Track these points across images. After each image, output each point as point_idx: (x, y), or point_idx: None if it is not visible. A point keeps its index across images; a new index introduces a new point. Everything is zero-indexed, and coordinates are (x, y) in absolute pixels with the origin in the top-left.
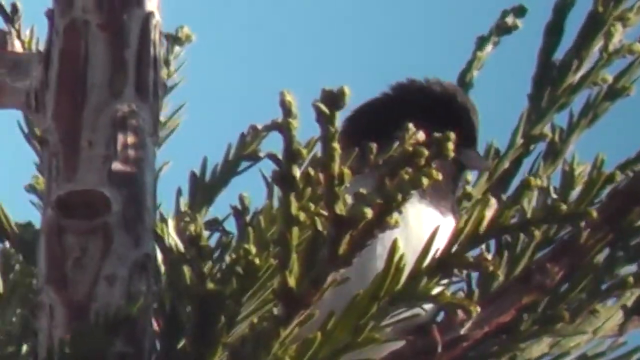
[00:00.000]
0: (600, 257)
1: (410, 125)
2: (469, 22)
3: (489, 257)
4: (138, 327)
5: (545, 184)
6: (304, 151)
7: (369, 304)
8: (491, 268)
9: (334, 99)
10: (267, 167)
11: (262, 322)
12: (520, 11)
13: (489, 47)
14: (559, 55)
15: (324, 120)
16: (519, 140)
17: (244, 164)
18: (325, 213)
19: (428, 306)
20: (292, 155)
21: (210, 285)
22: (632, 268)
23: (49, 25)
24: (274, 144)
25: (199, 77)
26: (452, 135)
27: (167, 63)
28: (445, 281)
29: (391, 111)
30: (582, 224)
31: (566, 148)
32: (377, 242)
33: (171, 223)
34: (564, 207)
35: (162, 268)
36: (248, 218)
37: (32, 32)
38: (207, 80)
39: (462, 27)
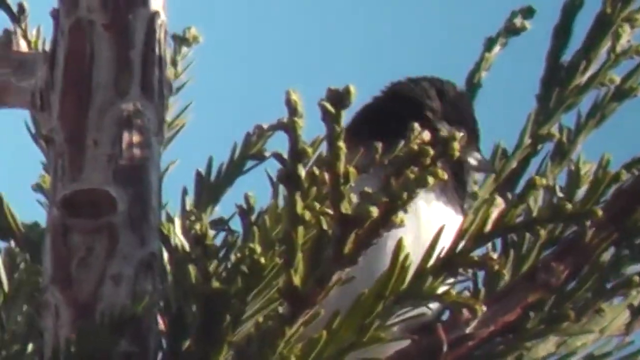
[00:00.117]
0: (606, 256)
1: (416, 125)
2: (477, 23)
3: (495, 256)
4: (143, 327)
5: (551, 183)
6: (310, 150)
7: (374, 303)
8: (496, 267)
9: (339, 98)
10: (273, 167)
11: (268, 321)
12: (528, 12)
13: (497, 48)
14: (567, 56)
15: (330, 119)
16: (527, 140)
17: (250, 164)
18: (330, 212)
19: (434, 305)
20: (297, 154)
21: (216, 284)
22: (637, 267)
23: (54, 25)
24: (279, 143)
25: (205, 77)
26: (458, 134)
27: (174, 64)
28: (451, 280)
29: (395, 111)
30: (588, 223)
31: (574, 148)
32: (387, 239)
33: (177, 222)
34: (569, 206)
35: (168, 267)
36: (253, 217)
37: (38, 31)
38: (213, 79)
39: (471, 28)
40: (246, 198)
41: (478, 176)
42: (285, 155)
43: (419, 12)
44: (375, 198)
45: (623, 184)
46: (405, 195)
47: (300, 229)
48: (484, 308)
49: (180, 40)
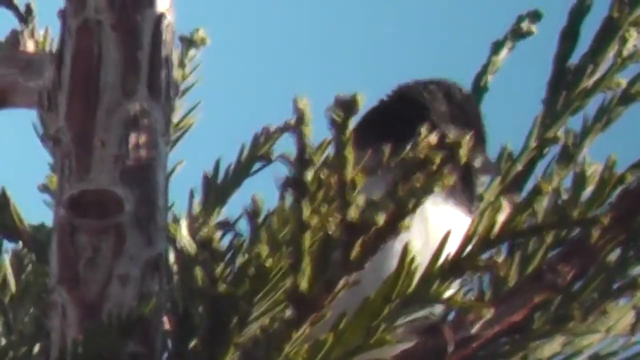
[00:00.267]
0: (612, 257)
1: (423, 129)
2: (484, 27)
3: (500, 260)
4: (150, 327)
5: (557, 186)
6: (317, 157)
7: (381, 305)
8: (503, 272)
9: (347, 106)
10: (280, 169)
11: (274, 323)
12: (535, 16)
13: (504, 52)
14: (573, 60)
15: (337, 127)
16: (533, 143)
17: (257, 165)
18: (337, 217)
19: (440, 308)
20: (304, 162)
21: (222, 287)
22: None
23: (61, 25)
24: (287, 145)
25: (212, 79)
26: (465, 139)
27: (182, 65)
28: (457, 282)
29: (402, 113)
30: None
31: (580, 151)
32: (395, 242)
33: (184, 224)
34: (576, 212)
35: (175, 268)
36: (260, 219)
37: (45, 32)
38: (221, 81)
39: (478, 32)
40: (253, 200)
41: (484, 178)
42: (292, 158)
43: (426, 15)
44: (382, 205)
45: (629, 185)
46: (412, 202)
47: (307, 234)
48: (492, 312)
49: (188, 42)
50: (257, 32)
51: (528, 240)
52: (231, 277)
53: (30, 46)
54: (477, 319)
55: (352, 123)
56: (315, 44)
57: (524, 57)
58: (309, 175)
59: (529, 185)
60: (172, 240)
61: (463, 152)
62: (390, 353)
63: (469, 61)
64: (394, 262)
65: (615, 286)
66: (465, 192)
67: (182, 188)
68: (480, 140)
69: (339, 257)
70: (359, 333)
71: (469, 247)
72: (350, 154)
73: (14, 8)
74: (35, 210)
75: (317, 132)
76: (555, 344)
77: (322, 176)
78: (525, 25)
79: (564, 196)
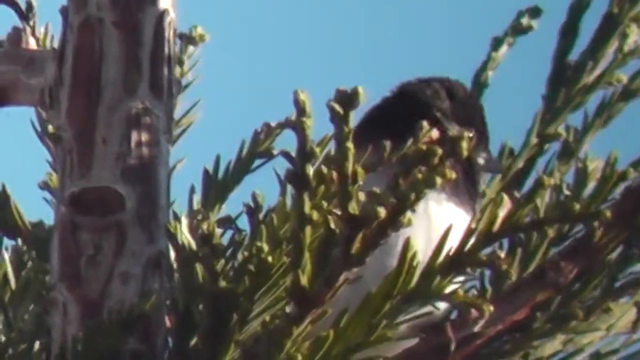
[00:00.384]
0: (614, 256)
1: (425, 124)
2: (484, 23)
3: (502, 255)
4: (152, 325)
5: (558, 182)
6: (318, 150)
7: (382, 302)
8: (504, 267)
9: (348, 99)
10: (281, 165)
11: (275, 320)
12: (535, 12)
13: (504, 48)
14: (574, 56)
15: (338, 120)
16: (534, 140)
17: (258, 162)
18: (338, 212)
19: (442, 305)
20: (305, 155)
21: (223, 283)
22: None
23: (63, 22)
24: (287, 141)
25: (212, 75)
26: (467, 134)
27: (180, 62)
28: (459, 279)
29: (404, 111)
30: (596, 223)
31: (580, 148)
32: (398, 239)
33: (184, 221)
34: (577, 206)
35: (176, 265)
36: (261, 216)
37: (46, 29)
38: (221, 77)
39: (478, 28)
40: (254, 196)
41: (486, 175)
42: (294, 154)
43: (426, 12)
44: (383, 198)
45: (631, 183)
46: (413, 196)
47: (308, 229)
48: (492, 308)
49: (187, 39)
50: (257, 29)
51: (530, 235)
52: (232, 273)
53: (31, 43)
54: (479, 317)
55: (353, 116)
56: (315, 40)
57: (524, 53)
58: (310, 168)
59: (530, 182)
60: (172, 237)
61: (464, 147)
62: (393, 351)
63: (469, 57)
64: (396, 260)
65: (617, 284)
66: (469, 190)
67: (182, 185)
68: (483, 139)
69: (340, 252)
70: (360, 330)
71: (470, 243)
72: (351, 146)
73: (15, 5)
74: (35, 207)
75: (318, 129)
76: (556, 342)
77: (323, 171)
78: (525, 21)
79: (566, 192)
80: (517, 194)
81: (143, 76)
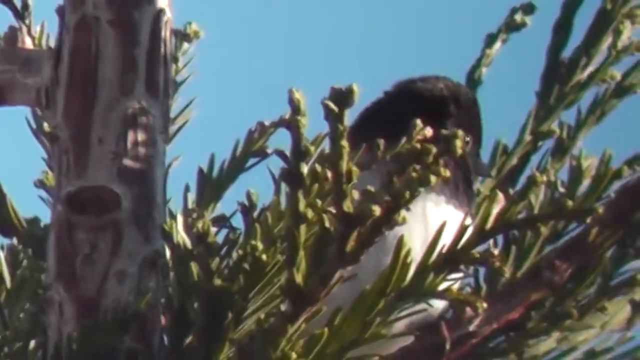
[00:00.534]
0: (609, 254)
1: (418, 122)
2: (478, 20)
3: (496, 252)
4: (147, 324)
5: (552, 179)
6: (312, 149)
7: (376, 299)
8: (497, 264)
9: (342, 97)
10: (275, 164)
11: (270, 318)
12: (529, 9)
13: (497, 45)
14: (567, 52)
15: (333, 118)
16: (527, 137)
17: (252, 160)
18: (332, 210)
19: (439, 303)
20: (300, 153)
21: (218, 282)
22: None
23: (59, 21)
24: (281, 140)
25: (206, 73)
26: (460, 132)
27: (175, 59)
28: (455, 277)
29: (400, 109)
30: (591, 221)
31: (574, 145)
32: (395, 238)
33: (180, 220)
34: (570, 203)
35: (171, 264)
36: (255, 214)
37: (42, 28)
38: (215, 75)
39: (471, 25)
40: (248, 195)
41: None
42: (288, 153)
43: (420, 8)
44: (378, 197)
45: (626, 181)
46: (407, 194)
47: (303, 227)
48: (485, 305)
49: (181, 36)
50: (252, 26)
51: (524, 233)
52: (227, 272)
53: (27, 43)
54: (474, 315)
55: (348, 114)
56: (310, 39)
57: (517, 49)
58: (305, 167)
59: (524, 179)
60: (167, 236)
61: (458, 145)
62: (387, 349)
63: (463, 54)
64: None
65: (612, 283)
66: (467, 192)
67: (178, 184)
68: (477, 143)
69: (335, 250)
70: (354, 327)
71: (464, 240)
72: (345, 145)
73: (10, 4)
74: (31, 205)
75: (313, 127)
76: (550, 340)
77: (317, 169)
78: (518, 17)
79: (561, 190)
80: (511, 192)
81: (139, 76)
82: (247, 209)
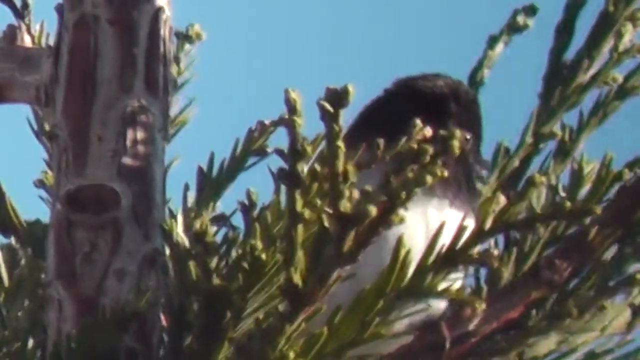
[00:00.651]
0: (609, 254)
1: (418, 122)
2: (480, 21)
3: (495, 252)
4: (147, 322)
5: (554, 182)
6: (309, 148)
7: (375, 299)
8: (496, 264)
9: (338, 98)
10: (275, 163)
11: (268, 317)
12: (531, 10)
13: (500, 46)
14: (569, 54)
15: (329, 118)
16: (529, 139)
17: (252, 160)
18: (330, 210)
19: (436, 302)
20: (297, 152)
21: (216, 281)
22: (638, 265)
23: (58, 20)
24: (281, 139)
25: (207, 73)
26: (458, 132)
27: (177, 61)
28: (455, 276)
29: (400, 107)
30: (591, 221)
31: (576, 147)
32: (394, 237)
33: (180, 219)
34: (569, 203)
35: (170, 263)
36: (255, 213)
37: (42, 27)
38: (216, 76)
39: (474, 26)
40: (248, 194)
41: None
42: (287, 152)
43: (421, 9)
44: (375, 196)
45: (626, 181)
46: (403, 194)
47: (300, 227)
48: (484, 305)
49: (183, 38)
50: (252, 26)
51: (524, 235)
52: (225, 271)
53: (27, 41)
54: (473, 315)
55: (344, 114)
56: (310, 39)
57: (519, 51)
58: (302, 166)
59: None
60: (167, 235)
61: (456, 145)
62: (387, 349)
63: (465, 55)
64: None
65: (611, 283)
66: (470, 193)
67: (178, 183)
68: (477, 141)
69: (332, 250)
70: (353, 327)
71: (463, 240)
72: (341, 145)
73: (10, 3)
74: (29, 205)
75: (315, 127)
76: (551, 342)
77: (316, 169)
78: (521, 19)
79: (562, 194)
80: (512, 193)
81: (138, 74)
82: (246, 208)
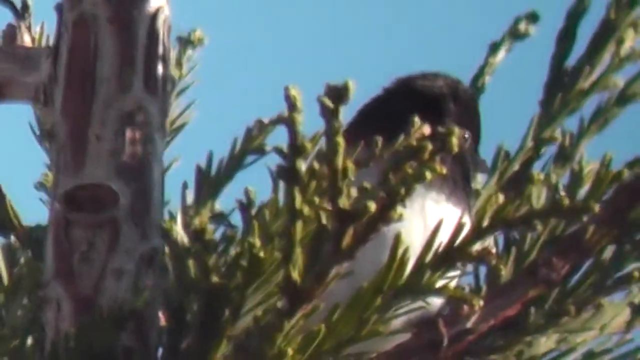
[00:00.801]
0: (607, 252)
1: (417, 119)
2: (481, 28)
3: (493, 250)
4: (145, 321)
5: (553, 182)
6: (309, 145)
7: (372, 296)
8: (494, 261)
9: (338, 94)
10: (273, 161)
11: (267, 315)
12: (533, 17)
13: (501, 53)
14: (571, 61)
15: (328, 114)
16: (529, 143)
17: (250, 158)
18: (329, 207)
19: (437, 300)
20: (297, 149)
21: (215, 279)
22: (636, 263)
23: (57, 19)
24: (280, 137)
25: (206, 72)
26: (457, 129)
27: (179, 64)
28: (453, 274)
29: (399, 106)
30: (588, 219)
31: (576, 152)
32: (392, 234)
33: (179, 219)
34: (567, 200)
35: (169, 261)
36: (253, 212)
37: (42, 27)
38: (214, 75)
39: (475, 33)
40: (246, 192)
41: (481, 177)
42: (286, 150)
43: (423, 16)
44: (374, 193)
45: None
46: (403, 190)
47: (299, 224)
48: (482, 303)
49: (186, 42)
50: (252, 25)
51: (524, 235)
52: (224, 269)
53: (27, 41)
54: (471, 312)
55: (343, 111)
56: (310, 40)
57: (521, 58)
58: (301, 163)
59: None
60: (166, 234)
61: (454, 143)
62: (385, 346)
63: (466, 62)
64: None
65: (609, 281)
66: (466, 190)
67: (177, 184)
68: (475, 141)
69: (330, 247)
70: (351, 324)
71: (461, 237)
72: (341, 141)
73: (10, 3)
74: (30, 207)
75: (314, 124)
76: (550, 341)
77: (315, 166)
78: (522, 26)
79: (562, 193)
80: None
81: (137, 73)
82: (245, 207)
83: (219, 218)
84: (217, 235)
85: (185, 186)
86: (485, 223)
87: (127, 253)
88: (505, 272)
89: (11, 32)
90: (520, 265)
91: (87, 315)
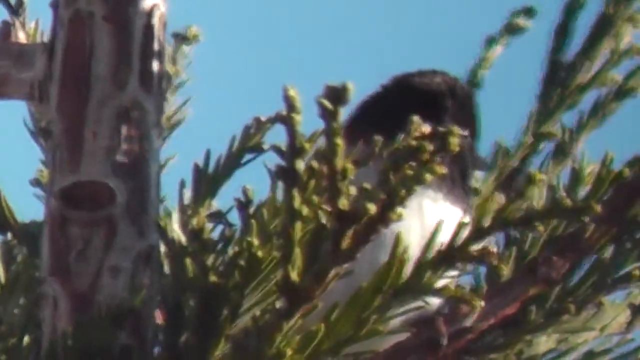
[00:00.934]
0: (607, 251)
1: (416, 118)
2: (478, 22)
3: (493, 250)
4: (142, 319)
5: (553, 182)
6: (308, 146)
7: (372, 296)
8: (495, 262)
9: (337, 95)
10: (271, 159)
11: (265, 314)
12: (529, 12)
13: (498, 48)
14: (568, 56)
15: (328, 116)
16: (528, 139)
17: (248, 156)
18: (328, 207)
19: (434, 300)
20: (295, 150)
21: (213, 278)
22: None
23: (53, 16)
24: (278, 135)
25: (203, 70)
26: (457, 129)
27: (174, 60)
28: (453, 274)
29: (397, 103)
30: (586, 218)
31: (575, 147)
32: (391, 234)
33: (175, 216)
34: (567, 201)
35: (166, 260)
36: (251, 210)
37: (36, 24)
38: (211, 72)
39: (472, 27)
40: (244, 191)
41: (479, 174)
42: (284, 148)
43: (420, 11)
44: (374, 194)
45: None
46: (403, 191)
47: (298, 224)
48: (482, 303)
49: (181, 39)
50: (249, 23)
51: (524, 234)
52: (222, 268)
53: (21, 37)
54: (470, 311)
55: (343, 111)
56: (307, 37)
57: (518, 53)
58: (300, 163)
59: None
60: (163, 232)
61: (454, 143)
62: (384, 346)
63: (463, 56)
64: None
65: (609, 280)
66: (464, 189)
67: (174, 182)
68: (474, 138)
69: (330, 247)
70: (350, 324)
71: (461, 238)
72: (340, 142)
73: (4, 1)
74: (25, 204)
75: (312, 123)
76: (550, 341)
77: (314, 166)
78: (519, 20)
79: (562, 193)
80: (510, 193)
81: (133, 70)
82: (243, 205)
83: (217, 217)
84: (215, 234)
85: (182, 184)
86: (487, 223)
87: (124, 251)
88: (507, 271)
89: (5, 29)
90: (520, 265)
91: (84, 313)
